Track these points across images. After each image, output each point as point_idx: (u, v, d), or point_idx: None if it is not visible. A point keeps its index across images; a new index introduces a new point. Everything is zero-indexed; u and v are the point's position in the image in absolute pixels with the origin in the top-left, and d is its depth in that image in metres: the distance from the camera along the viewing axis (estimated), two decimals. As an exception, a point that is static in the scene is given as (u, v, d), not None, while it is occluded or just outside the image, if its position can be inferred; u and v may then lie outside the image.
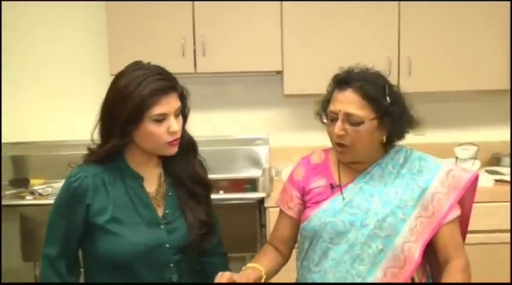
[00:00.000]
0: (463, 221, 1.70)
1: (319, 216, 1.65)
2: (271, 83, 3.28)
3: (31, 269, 2.99)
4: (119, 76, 1.54)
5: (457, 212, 1.64)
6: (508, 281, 2.58)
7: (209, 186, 1.70)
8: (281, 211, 1.80)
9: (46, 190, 2.90)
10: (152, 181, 1.63)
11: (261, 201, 2.77)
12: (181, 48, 2.92)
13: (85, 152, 1.61)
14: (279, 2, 2.94)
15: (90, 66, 3.29)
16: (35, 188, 2.95)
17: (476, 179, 1.68)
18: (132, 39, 2.94)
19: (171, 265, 1.59)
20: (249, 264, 1.65)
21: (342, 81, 1.63)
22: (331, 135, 1.64)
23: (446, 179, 1.64)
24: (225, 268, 1.75)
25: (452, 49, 2.96)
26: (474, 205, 1.72)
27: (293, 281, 1.78)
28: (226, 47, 2.95)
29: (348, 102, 1.59)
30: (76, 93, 3.33)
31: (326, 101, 1.67)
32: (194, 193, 1.65)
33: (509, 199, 2.70)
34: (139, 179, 1.60)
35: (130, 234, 1.54)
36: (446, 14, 2.94)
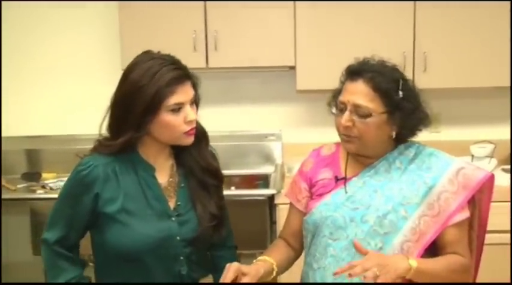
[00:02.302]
0: (480, 225, 1.65)
1: (320, 209, 1.62)
2: (284, 78, 3.25)
3: (41, 263, 3.00)
4: (131, 68, 1.52)
5: (465, 214, 1.58)
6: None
7: (221, 177, 1.68)
8: (291, 204, 1.78)
9: (57, 184, 2.90)
10: (164, 172, 1.61)
11: (272, 198, 2.75)
12: (193, 42, 2.90)
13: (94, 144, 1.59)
14: (292, -4, 2.91)
15: (103, 60, 3.28)
16: (46, 182, 2.96)
17: (491, 179, 1.61)
18: (144, 33, 2.93)
19: (181, 258, 1.57)
20: (259, 257, 1.62)
21: (354, 71, 1.58)
22: (338, 125, 1.60)
23: (456, 178, 1.58)
24: (234, 261, 1.72)
25: (468, 44, 2.91)
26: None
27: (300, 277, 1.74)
28: (238, 41, 2.93)
29: (358, 93, 1.54)
30: (89, 88, 3.33)
31: (338, 91, 1.63)
32: (205, 184, 1.63)
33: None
34: (151, 170, 1.57)
35: (140, 225, 1.51)
36: (462, 8, 2.88)
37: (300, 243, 1.75)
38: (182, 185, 1.62)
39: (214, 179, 1.65)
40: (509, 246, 2.66)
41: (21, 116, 3.32)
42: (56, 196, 2.70)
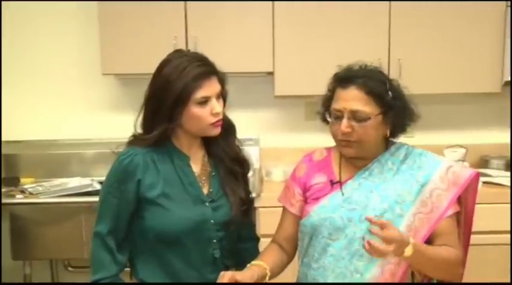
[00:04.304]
0: (466, 221, 1.70)
1: (318, 212, 1.67)
2: (262, 84, 3.29)
3: (20, 268, 2.99)
4: (163, 65, 1.61)
5: (455, 208, 1.64)
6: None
7: (247, 165, 1.80)
8: (284, 209, 1.82)
9: (36, 189, 2.89)
10: (197, 161, 1.72)
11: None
12: (173, 48, 2.88)
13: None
14: (270, 3, 2.96)
15: (82, 65, 3.29)
16: (25, 187, 2.95)
17: (476, 177, 1.67)
18: (123, 38, 2.95)
19: (214, 241, 1.66)
20: (253, 262, 1.66)
21: (343, 78, 1.64)
22: (335, 132, 1.65)
23: (446, 175, 1.63)
24: (256, 253, 1.79)
25: (442, 51, 2.99)
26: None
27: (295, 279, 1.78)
28: (218, 47, 2.96)
29: (353, 99, 1.59)
30: (67, 92, 3.33)
31: (327, 100, 1.69)
32: (234, 172, 1.75)
33: (496, 201, 2.74)
34: (186, 159, 1.69)
35: (179, 209, 1.61)
36: (436, 16, 2.96)
37: (293, 248, 1.79)
38: (213, 174, 1.73)
39: (241, 168, 1.77)
40: (509, 247, 2.71)
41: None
42: (35, 200, 2.76)
